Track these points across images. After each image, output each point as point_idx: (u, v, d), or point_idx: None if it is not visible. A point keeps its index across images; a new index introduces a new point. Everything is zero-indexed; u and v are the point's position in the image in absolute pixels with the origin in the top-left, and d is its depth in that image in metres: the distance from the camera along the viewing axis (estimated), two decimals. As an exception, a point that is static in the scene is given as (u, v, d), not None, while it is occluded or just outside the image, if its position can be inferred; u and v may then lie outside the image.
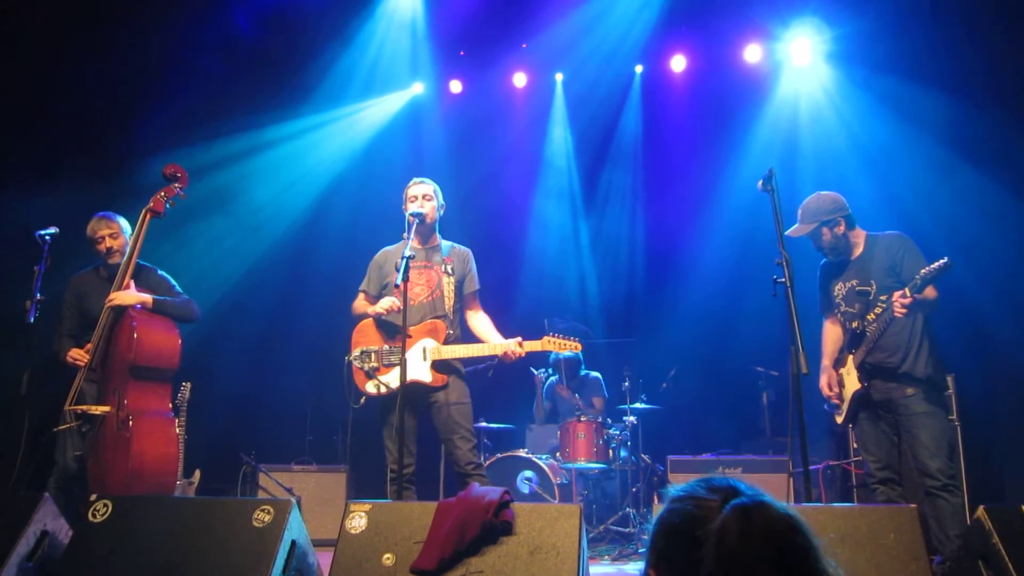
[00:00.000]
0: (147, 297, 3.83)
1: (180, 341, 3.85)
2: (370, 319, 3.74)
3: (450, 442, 3.57)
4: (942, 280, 3.22)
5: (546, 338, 3.64)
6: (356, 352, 3.71)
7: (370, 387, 3.63)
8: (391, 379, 3.57)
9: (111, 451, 3.57)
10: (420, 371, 3.60)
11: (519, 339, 3.63)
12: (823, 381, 3.65)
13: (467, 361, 3.74)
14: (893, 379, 3.37)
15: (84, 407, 3.65)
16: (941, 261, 3.11)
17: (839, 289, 3.61)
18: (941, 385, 3.41)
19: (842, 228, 3.52)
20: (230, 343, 6.06)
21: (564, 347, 3.64)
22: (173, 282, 4.08)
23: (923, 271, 3.15)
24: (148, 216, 3.89)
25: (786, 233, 3.24)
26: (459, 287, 3.78)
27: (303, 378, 6.38)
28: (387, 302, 3.60)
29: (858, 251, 3.58)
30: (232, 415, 5.98)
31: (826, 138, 6.21)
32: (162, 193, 3.95)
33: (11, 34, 5.17)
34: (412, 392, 3.58)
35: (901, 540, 2.50)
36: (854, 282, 3.54)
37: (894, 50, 5.68)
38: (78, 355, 3.78)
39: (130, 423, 3.56)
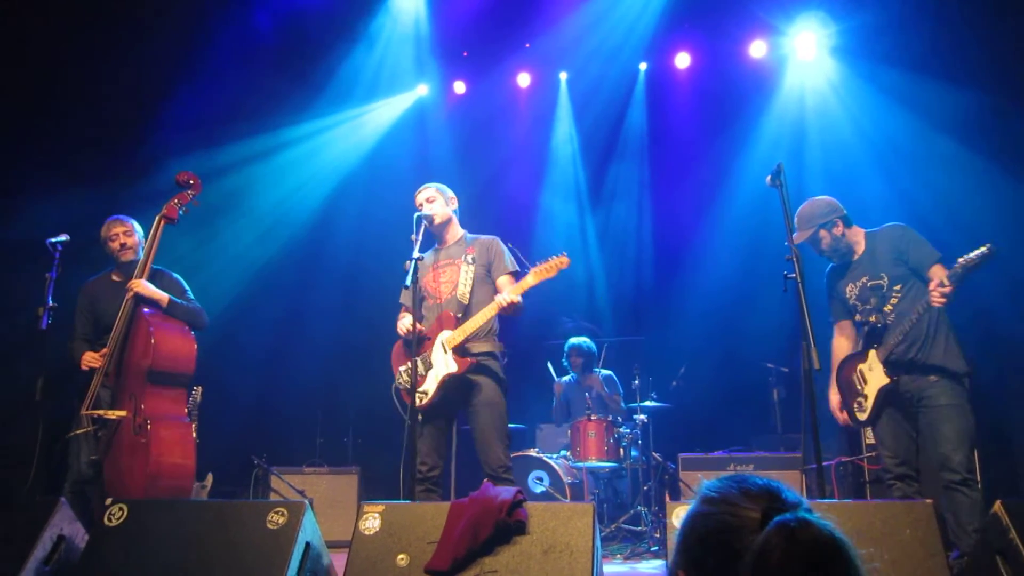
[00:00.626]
0: (163, 295, 3.87)
1: (196, 346, 3.88)
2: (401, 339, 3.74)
3: (484, 443, 3.50)
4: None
5: (532, 270, 3.49)
6: (398, 377, 3.70)
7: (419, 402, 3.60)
8: (428, 386, 3.55)
9: (128, 456, 3.60)
10: (446, 364, 3.53)
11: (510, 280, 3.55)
12: (833, 403, 3.63)
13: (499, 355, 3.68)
14: (916, 371, 3.34)
15: (100, 411, 3.68)
16: (983, 248, 2.95)
17: (851, 290, 3.58)
18: (964, 375, 3.34)
19: (840, 229, 3.52)
20: (240, 347, 6.08)
21: (550, 270, 3.46)
22: (186, 286, 4.11)
23: (962, 260, 3.03)
24: (162, 223, 3.91)
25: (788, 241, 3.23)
26: (486, 273, 3.71)
27: (313, 380, 6.40)
28: (405, 324, 3.59)
29: (860, 249, 3.57)
30: (243, 418, 6.01)
31: (833, 132, 6.18)
32: (176, 200, 3.97)
33: (23, 37, 5.20)
34: (449, 392, 3.54)
35: (917, 536, 2.49)
36: (865, 279, 3.52)
37: (899, 43, 5.65)
38: (93, 359, 3.80)
39: (148, 428, 3.59)
